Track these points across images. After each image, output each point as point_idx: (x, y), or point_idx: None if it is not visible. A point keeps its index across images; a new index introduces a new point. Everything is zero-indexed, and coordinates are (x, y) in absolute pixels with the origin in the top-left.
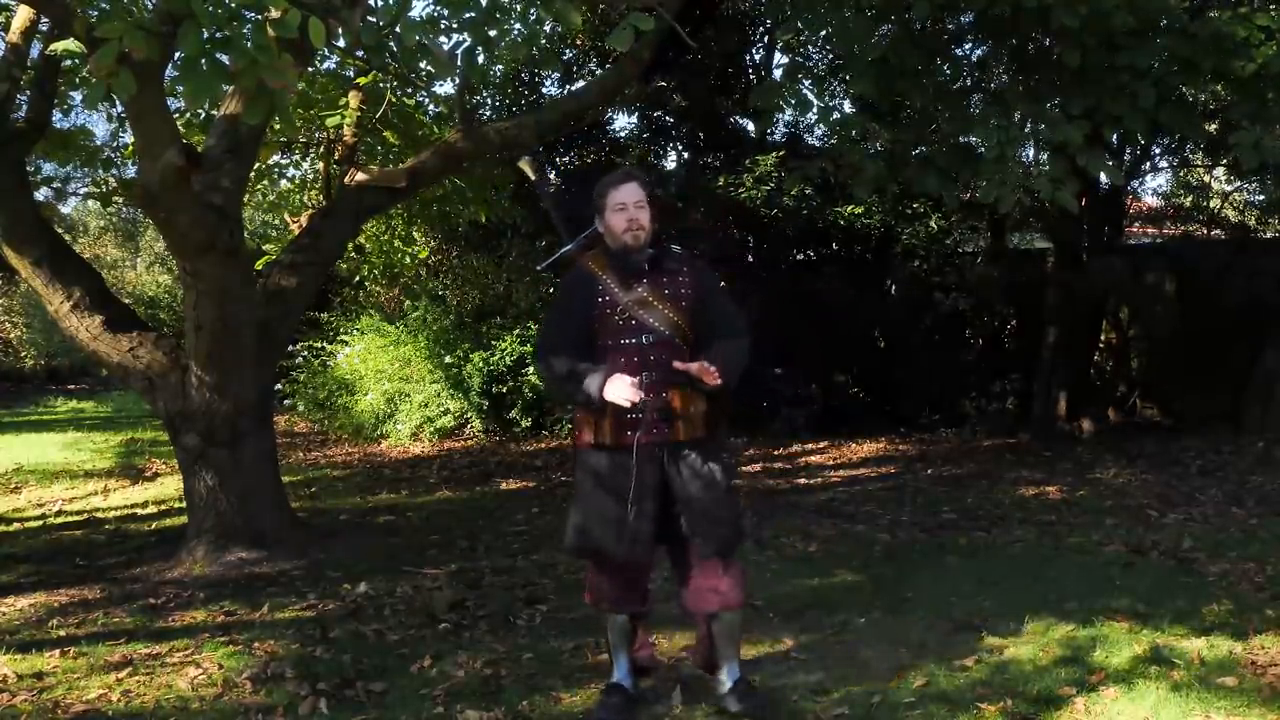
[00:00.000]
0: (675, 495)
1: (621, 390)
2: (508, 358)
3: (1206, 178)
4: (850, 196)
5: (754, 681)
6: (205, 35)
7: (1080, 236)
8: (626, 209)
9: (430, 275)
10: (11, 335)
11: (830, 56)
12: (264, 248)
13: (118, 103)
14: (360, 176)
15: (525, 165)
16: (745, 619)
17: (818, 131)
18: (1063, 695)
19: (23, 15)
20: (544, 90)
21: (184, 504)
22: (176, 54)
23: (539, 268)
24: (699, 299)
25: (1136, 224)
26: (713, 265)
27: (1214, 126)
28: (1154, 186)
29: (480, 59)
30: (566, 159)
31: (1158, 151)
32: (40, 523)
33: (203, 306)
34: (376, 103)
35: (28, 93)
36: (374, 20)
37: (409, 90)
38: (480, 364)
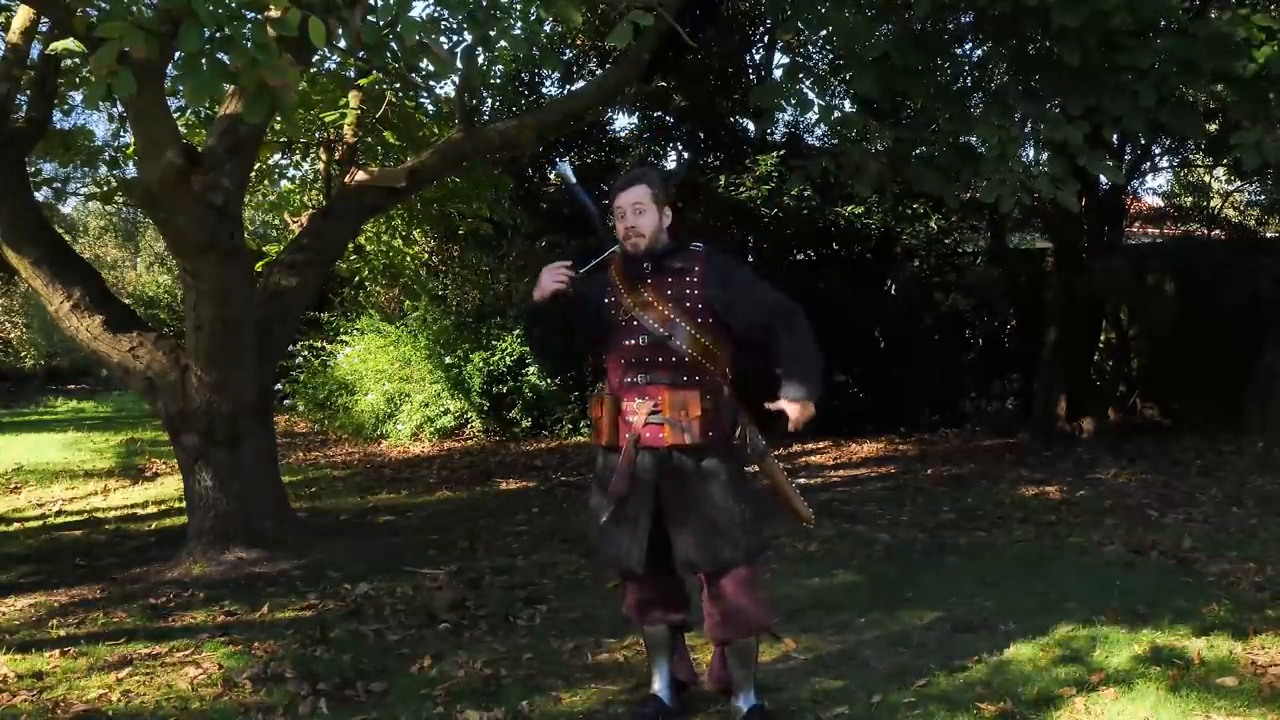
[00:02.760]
0: (664, 506)
1: (544, 276)
2: (508, 358)
3: (1207, 178)
4: (850, 196)
5: (770, 710)
6: (205, 34)
7: (1080, 236)
8: (625, 216)
9: (430, 275)
10: (11, 335)
11: (830, 56)
12: (264, 248)
13: (118, 103)
14: (360, 176)
15: (565, 170)
16: None
17: (818, 131)
18: (1062, 695)
19: (23, 15)
20: (544, 90)
21: (184, 504)
22: (177, 53)
23: (579, 272)
24: (714, 295)
25: (1136, 224)
26: None
27: (1214, 126)
28: (1154, 186)
29: (480, 58)
30: (566, 159)
31: (1158, 151)
32: (40, 523)
33: (203, 306)
34: (376, 103)
35: (28, 93)
36: (374, 20)
37: (409, 90)
38: (480, 364)
